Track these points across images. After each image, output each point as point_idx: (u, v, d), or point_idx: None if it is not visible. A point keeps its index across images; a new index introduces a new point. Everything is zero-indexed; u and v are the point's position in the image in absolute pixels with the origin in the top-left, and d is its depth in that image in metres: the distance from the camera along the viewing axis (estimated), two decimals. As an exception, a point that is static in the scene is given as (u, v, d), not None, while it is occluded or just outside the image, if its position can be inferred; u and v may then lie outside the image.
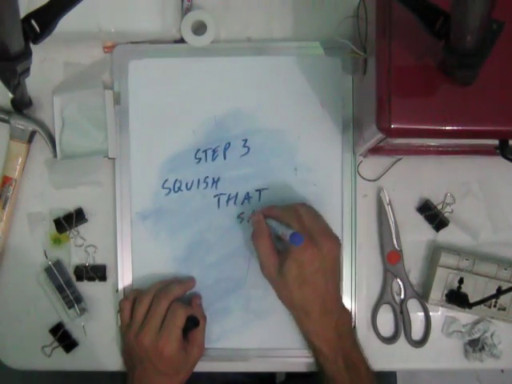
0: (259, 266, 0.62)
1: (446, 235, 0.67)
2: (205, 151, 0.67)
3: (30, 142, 0.67)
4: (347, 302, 0.65)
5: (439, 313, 0.67)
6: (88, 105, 0.66)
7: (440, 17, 0.43)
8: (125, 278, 0.67)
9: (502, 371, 1.07)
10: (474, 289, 0.64)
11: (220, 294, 0.67)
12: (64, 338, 0.67)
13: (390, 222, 0.66)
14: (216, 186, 0.67)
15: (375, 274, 0.67)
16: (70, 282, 0.67)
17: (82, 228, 0.68)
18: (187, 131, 0.67)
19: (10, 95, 0.65)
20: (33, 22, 0.46)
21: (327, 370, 0.60)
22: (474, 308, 0.63)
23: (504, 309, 0.65)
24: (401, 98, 0.49)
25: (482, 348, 0.65)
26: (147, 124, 0.67)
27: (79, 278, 0.67)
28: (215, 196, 0.67)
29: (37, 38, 0.46)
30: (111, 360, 0.68)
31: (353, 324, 0.65)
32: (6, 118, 0.66)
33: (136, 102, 0.67)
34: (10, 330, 0.68)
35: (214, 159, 0.67)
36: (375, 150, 0.61)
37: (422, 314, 0.67)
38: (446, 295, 0.64)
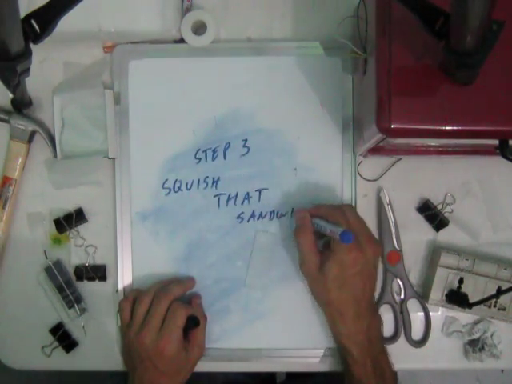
0: (298, 262, 0.61)
1: (445, 235, 0.67)
2: (205, 151, 0.67)
3: (30, 142, 0.67)
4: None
5: (439, 313, 0.67)
6: (88, 105, 0.66)
7: (440, 17, 0.43)
8: (125, 277, 0.67)
9: (502, 371, 1.07)
10: (474, 289, 0.64)
11: (220, 293, 0.67)
12: (64, 338, 0.67)
13: (390, 222, 0.66)
14: (216, 186, 0.67)
15: (375, 273, 0.67)
16: (70, 281, 0.67)
17: (81, 228, 0.68)
18: (187, 131, 0.67)
19: (10, 95, 0.65)
20: (33, 21, 0.46)
21: (355, 372, 0.59)
22: (474, 308, 0.63)
23: (504, 309, 0.65)
24: (401, 97, 0.49)
25: (482, 348, 0.65)
26: (147, 124, 0.67)
27: (79, 277, 0.67)
28: (215, 196, 0.67)
29: (37, 38, 0.46)
30: (111, 360, 0.68)
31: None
32: (6, 118, 0.66)
33: (136, 102, 0.67)
34: (10, 330, 0.68)
35: (214, 159, 0.67)
36: (375, 150, 0.61)
37: (421, 313, 0.67)
38: (446, 295, 0.64)
